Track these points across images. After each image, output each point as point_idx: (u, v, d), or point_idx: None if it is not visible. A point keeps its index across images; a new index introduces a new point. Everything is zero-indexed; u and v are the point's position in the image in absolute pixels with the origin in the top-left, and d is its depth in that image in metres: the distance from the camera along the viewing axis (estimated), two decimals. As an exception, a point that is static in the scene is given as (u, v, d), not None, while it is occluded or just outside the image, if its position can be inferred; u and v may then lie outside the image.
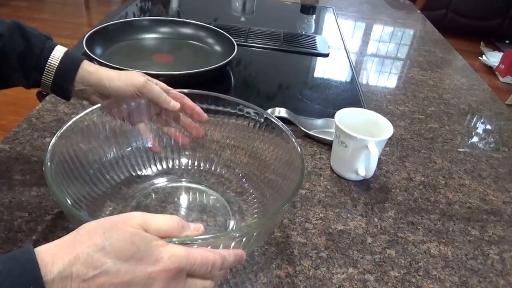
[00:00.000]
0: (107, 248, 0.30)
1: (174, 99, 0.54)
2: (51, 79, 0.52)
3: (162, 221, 0.34)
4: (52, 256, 0.29)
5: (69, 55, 0.52)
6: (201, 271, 0.34)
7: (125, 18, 1.12)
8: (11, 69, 0.50)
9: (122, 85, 0.52)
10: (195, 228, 0.36)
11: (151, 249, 0.32)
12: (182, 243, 0.34)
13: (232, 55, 0.89)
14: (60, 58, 0.51)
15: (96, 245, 0.30)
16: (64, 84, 0.52)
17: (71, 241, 0.31)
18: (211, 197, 0.57)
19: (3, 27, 0.50)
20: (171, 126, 0.58)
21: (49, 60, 0.51)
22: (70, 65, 0.52)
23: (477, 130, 0.86)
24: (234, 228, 0.53)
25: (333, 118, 0.64)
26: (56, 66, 0.51)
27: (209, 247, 0.37)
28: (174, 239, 0.34)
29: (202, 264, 0.33)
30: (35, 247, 0.29)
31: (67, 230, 0.49)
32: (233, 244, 0.38)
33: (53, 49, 0.51)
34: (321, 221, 0.57)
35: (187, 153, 0.61)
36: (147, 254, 0.31)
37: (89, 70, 0.52)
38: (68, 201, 0.43)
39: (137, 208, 0.54)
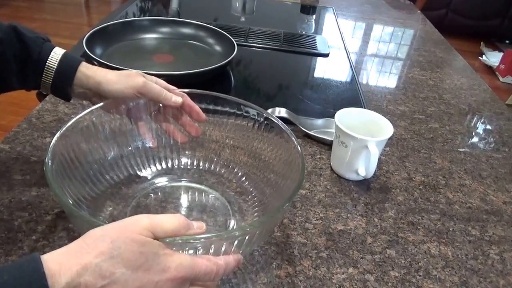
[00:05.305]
0: (116, 258, 0.30)
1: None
2: (50, 82, 0.52)
3: (168, 221, 0.34)
4: (59, 265, 0.29)
5: (67, 57, 0.52)
6: (204, 280, 0.35)
7: (125, 18, 1.12)
8: (11, 73, 0.50)
9: (121, 87, 0.51)
10: (198, 226, 0.36)
11: (159, 259, 0.32)
12: (185, 242, 0.35)
13: (232, 55, 0.89)
14: (58, 60, 0.51)
15: (104, 255, 0.30)
16: (63, 86, 0.52)
17: (77, 250, 0.31)
18: (211, 197, 0.57)
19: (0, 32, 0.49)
20: (169, 123, 0.58)
21: (47, 63, 0.51)
22: (68, 67, 0.52)
23: (477, 130, 0.86)
24: (234, 227, 0.53)
25: (333, 118, 0.64)
26: (54, 69, 0.51)
27: (212, 246, 0.37)
28: (177, 239, 0.34)
29: (206, 273, 0.34)
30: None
31: (67, 230, 0.50)
32: (235, 243, 0.38)
33: (51, 51, 0.51)
34: (321, 221, 0.57)
35: (187, 152, 0.61)
36: (155, 264, 0.32)
37: (87, 73, 0.52)
38: (69, 201, 0.43)
39: (137, 208, 0.54)
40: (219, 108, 0.58)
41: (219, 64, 0.84)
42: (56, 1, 3.59)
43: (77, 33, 2.30)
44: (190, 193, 0.58)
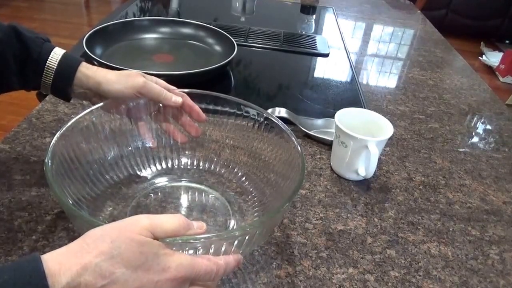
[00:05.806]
0: (116, 258, 0.30)
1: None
2: (50, 82, 0.52)
3: (168, 221, 0.34)
4: (60, 265, 0.29)
5: (67, 57, 0.52)
6: (204, 279, 0.35)
7: (125, 18, 1.12)
8: (11, 73, 0.51)
9: (121, 88, 0.51)
10: (199, 226, 0.36)
11: (159, 259, 0.32)
12: (185, 242, 0.35)
13: (232, 55, 0.89)
14: (58, 60, 0.51)
15: (104, 255, 0.30)
16: (63, 86, 0.52)
17: (77, 249, 0.31)
18: (211, 197, 0.57)
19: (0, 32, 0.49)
20: (169, 123, 0.58)
21: (47, 63, 0.51)
22: (68, 68, 0.52)
23: (477, 130, 0.86)
24: (234, 227, 0.53)
25: (333, 118, 0.64)
26: (54, 69, 0.51)
27: (212, 246, 0.37)
28: (177, 239, 0.34)
29: (206, 273, 0.34)
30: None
31: (67, 230, 0.50)
32: (235, 243, 0.38)
33: (51, 51, 0.51)
34: (321, 221, 0.57)
35: (187, 152, 0.61)
36: (155, 264, 0.32)
37: (87, 73, 0.52)
38: (69, 201, 0.43)
39: (137, 208, 0.54)
40: (219, 108, 0.58)
41: (219, 64, 0.84)
42: (56, 1, 3.59)
43: (77, 33, 2.30)
44: (190, 193, 0.58)
